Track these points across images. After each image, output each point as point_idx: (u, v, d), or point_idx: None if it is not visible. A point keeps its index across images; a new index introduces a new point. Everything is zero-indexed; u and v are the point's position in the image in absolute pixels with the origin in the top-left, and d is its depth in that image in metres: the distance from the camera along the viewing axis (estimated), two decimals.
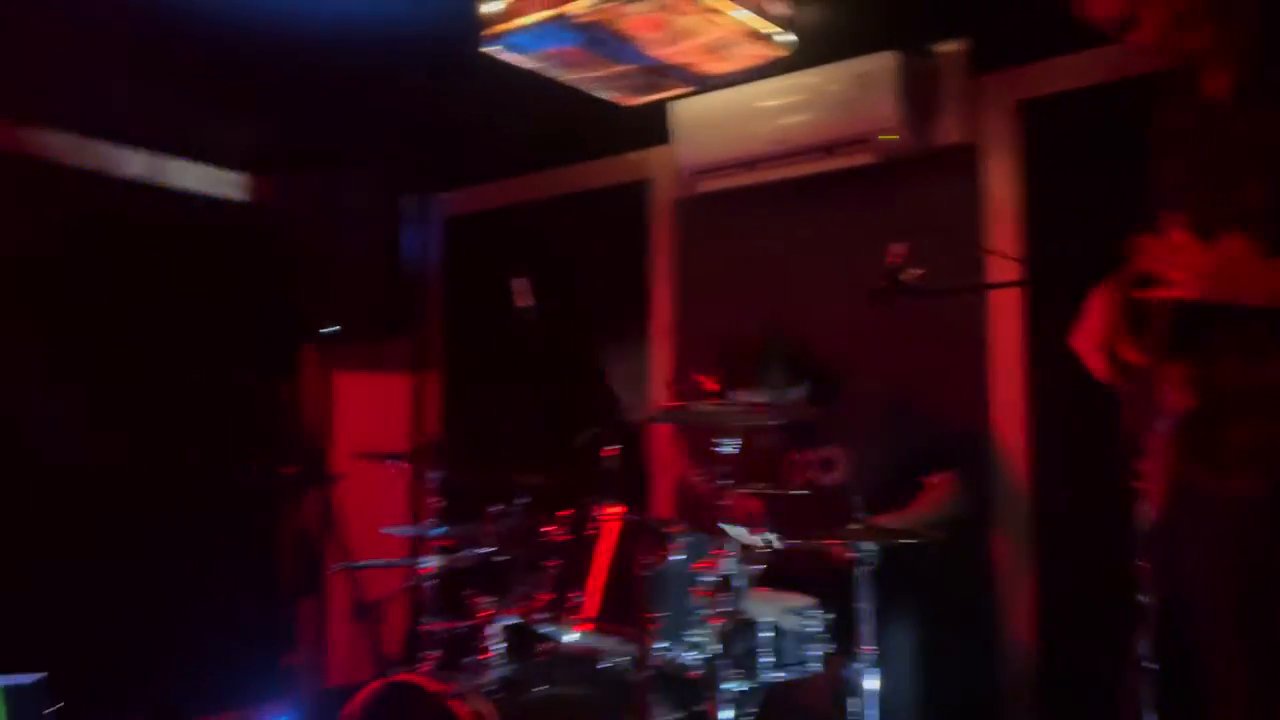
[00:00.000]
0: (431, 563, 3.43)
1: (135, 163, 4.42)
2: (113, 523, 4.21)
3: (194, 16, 3.43)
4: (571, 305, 4.58)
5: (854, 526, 2.82)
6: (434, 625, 3.30)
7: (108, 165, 4.33)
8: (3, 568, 3.88)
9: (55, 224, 4.12)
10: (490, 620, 3.17)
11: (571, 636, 2.96)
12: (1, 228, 3.95)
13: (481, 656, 3.15)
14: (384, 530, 3.86)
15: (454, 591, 3.36)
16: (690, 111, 4.06)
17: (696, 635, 2.81)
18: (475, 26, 3.00)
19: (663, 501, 4.36)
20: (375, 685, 3.01)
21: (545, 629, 3.01)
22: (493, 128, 4.35)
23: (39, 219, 4.06)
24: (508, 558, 3.30)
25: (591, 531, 2.99)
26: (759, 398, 3.32)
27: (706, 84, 3.45)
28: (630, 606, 2.79)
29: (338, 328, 4.49)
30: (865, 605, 2.77)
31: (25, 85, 3.73)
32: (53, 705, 3.33)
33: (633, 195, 4.56)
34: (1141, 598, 1.92)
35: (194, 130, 4.44)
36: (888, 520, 3.07)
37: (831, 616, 3.00)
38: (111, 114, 4.13)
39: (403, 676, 3.03)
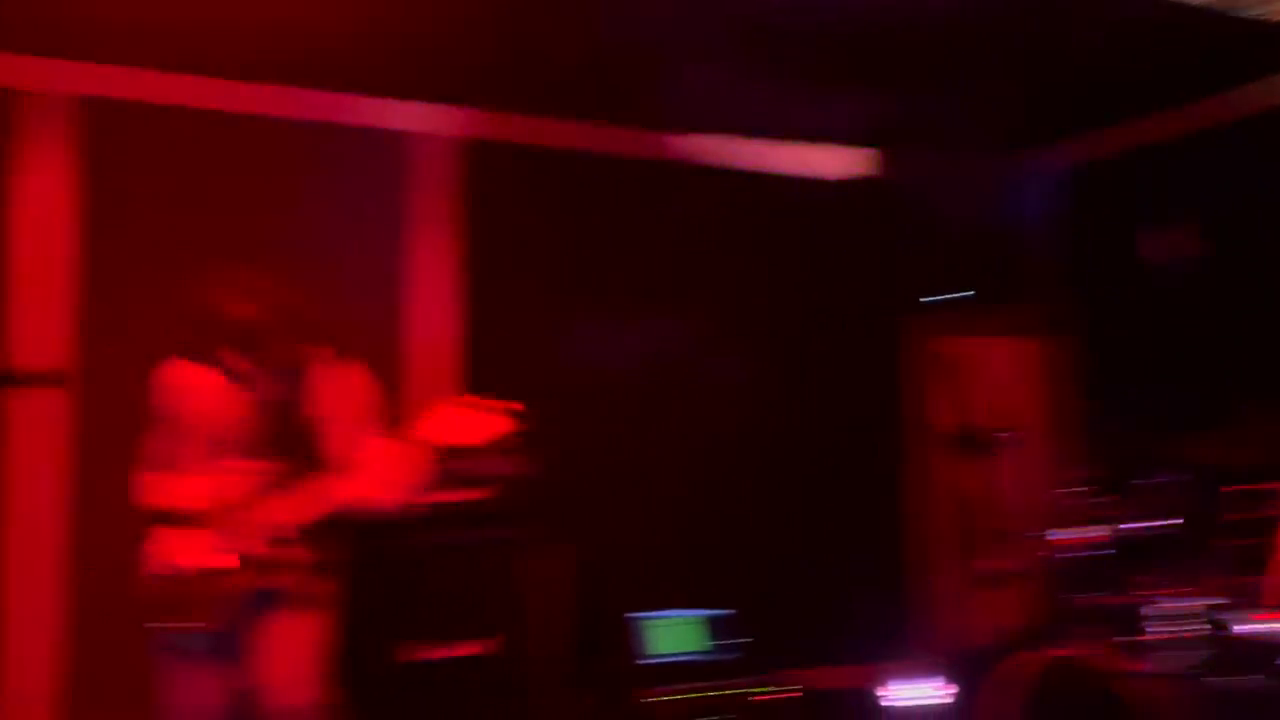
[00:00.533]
0: (1082, 534, 3.32)
1: (759, 153, 4.79)
2: (767, 486, 4.64)
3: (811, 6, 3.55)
4: (1239, 253, 4.06)
5: None
6: (1090, 599, 3.19)
7: (740, 160, 4.74)
8: (709, 525, 4.45)
9: (700, 219, 4.62)
10: (1150, 599, 3.00)
11: (1252, 625, 2.69)
12: (682, 227, 4.51)
13: (1142, 637, 2.99)
14: (1035, 499, 3.78)
15: (1106, 566, 3.22)
16: None
17: None
18: None
19: None
20: (1032, 656, 3.00)
21: (1220, 614, 2.78)
22: (1117, 66, 4.01)
23: (698, 216, 4.59)
24: (1169, 534, 3.08)
25: (1274, 511, 2.69)
26: None
27: None
28: None
29: (960, 294, 4.48)
30: None
31: (688, 99, 4.18)
32: (743, 637, 3.78)
33: None
34: None
35: (806, 115, 4.68)
36: None
37: None
38: (747, 112, 4.52)
39: (1065, 650, 2.97)
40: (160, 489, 2.89)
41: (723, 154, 4.69)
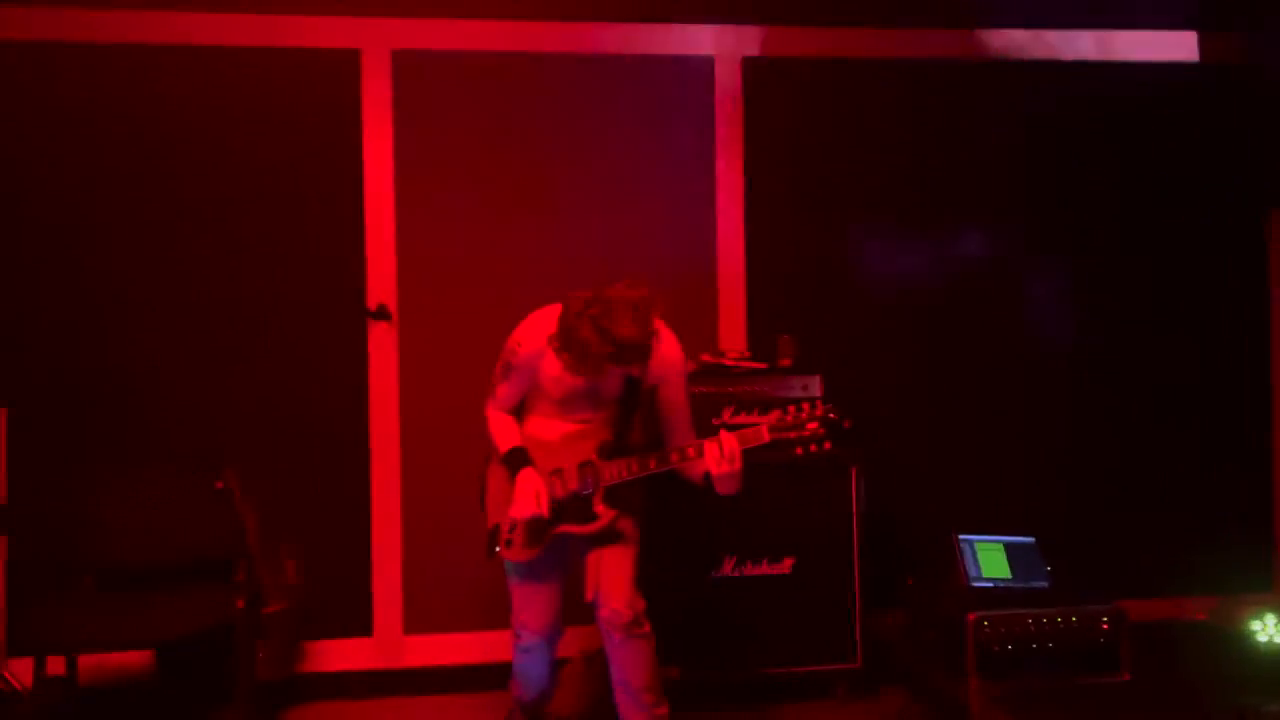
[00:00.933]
0: None
1: (1082, 42, 4.40)
2: (1087, 402, 4.37)
3: None
4: None
5: None
6: None
7: (1056, 51, 4.38)
8: (1030, 445, 4.31)
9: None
10: None
11: None
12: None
13: None
14: None
15: None
16: None
17: None
18: None
19: None
20: None
21: None
22: None
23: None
24: None
25: None
26: None
27: None
28: None
29: None
30: None
31: None
32: (1046, 565, 3.64)
33: None
34: None
35: None
36: None
37: None
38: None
39: None
40: (503, 429, 3.18)
41: (1048, 46, 4.36)
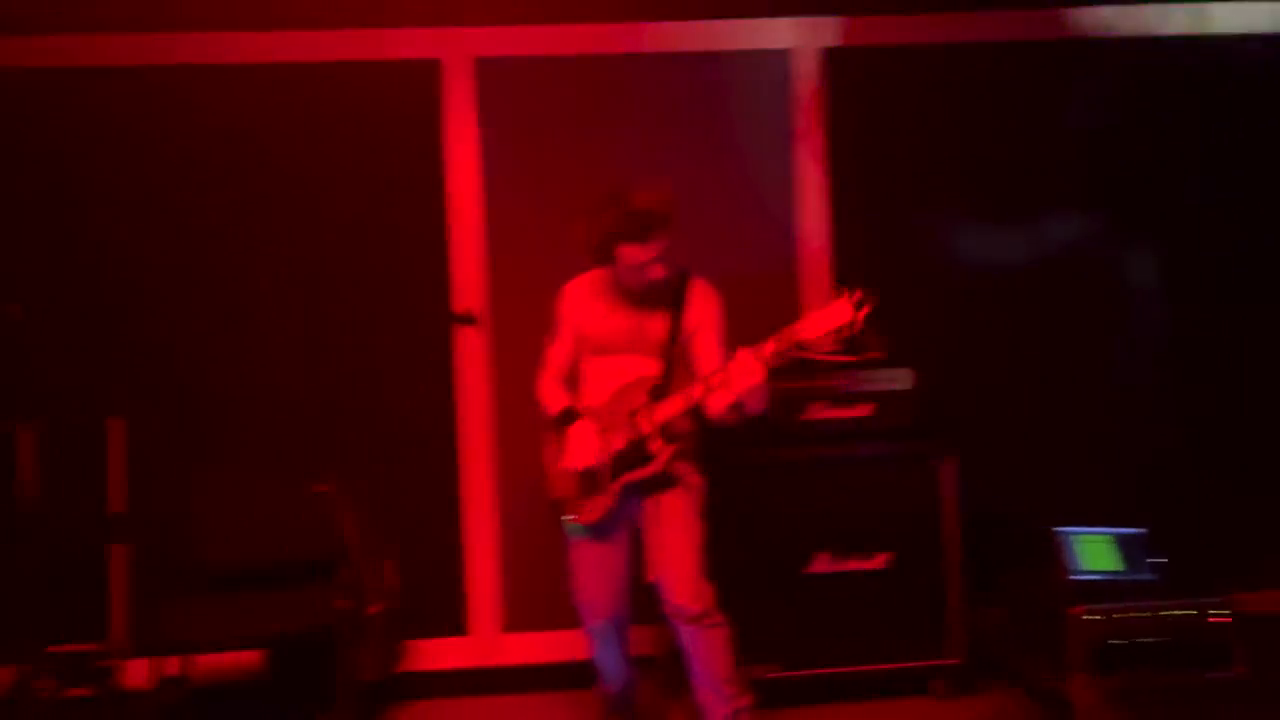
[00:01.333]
0: None
1: (1176, 16, 4.26)
2: (1192, 388, 4.23)
3: None
4: None
5: None
6: None
7: (1148, 27, 4.25)
8: (1129, 434, 4.20)
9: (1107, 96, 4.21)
10: None
11: None
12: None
13: None
14: None
15: None
16: None
17: None
18: None
19: None
20: None
21: None
22: None
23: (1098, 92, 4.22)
24: None
25: None
26: None
27: None
28: None
29: None
30: None
31: None
32: (1156, 556, 3.52)
33: None
34: None
35: None
36: None
37: None
38: None
39: None
40: (553, 392, 3.26)
41: (1139, 22, 4.23)
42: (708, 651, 3.10)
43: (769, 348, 2.96)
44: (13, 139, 4.01)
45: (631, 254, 3.05)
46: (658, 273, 3.09)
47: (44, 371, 3.86)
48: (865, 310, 2.93)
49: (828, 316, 2.94)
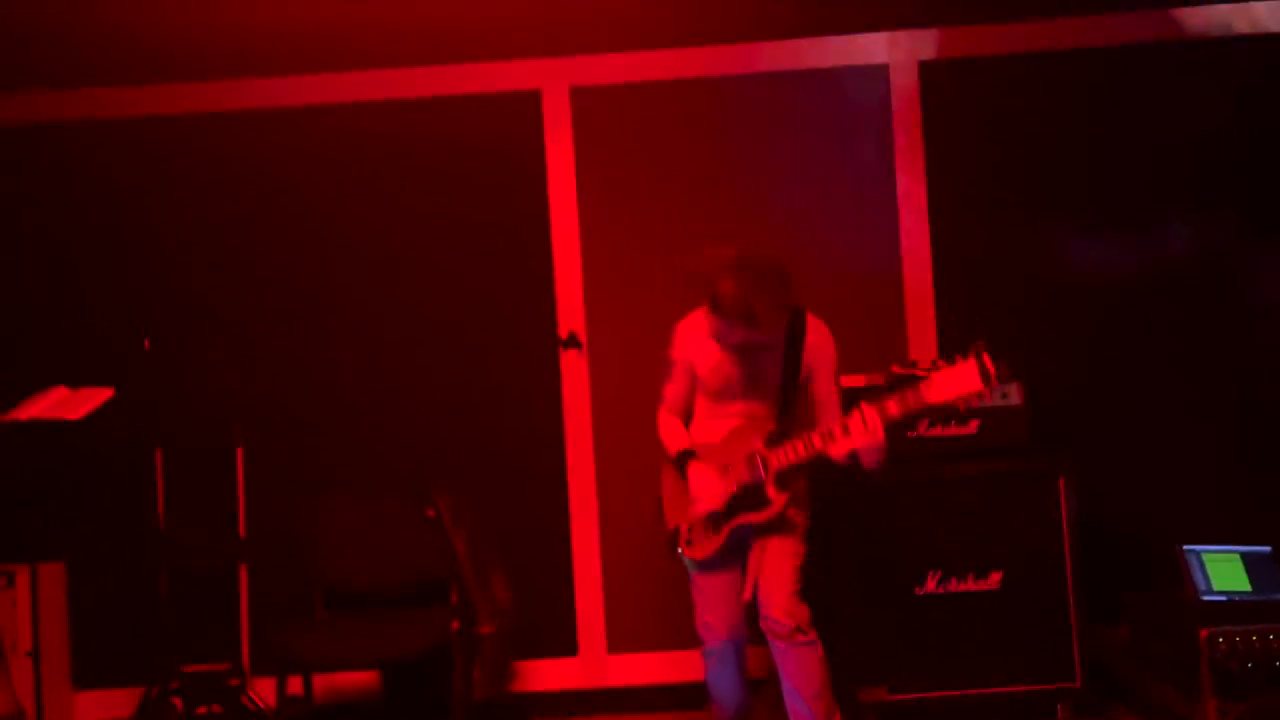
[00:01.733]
0: None
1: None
2: None
3: None
4: None
5: None
6: None
7: (1263, 24, 4.10)
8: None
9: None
10: None
11: None
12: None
13: None
14: None
15: None
16: None
17: None
18: None
19: None
20: None
21: None
22: None
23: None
24: None
25: None
26: None
27: None
28: None
29: None
30: None
31: None
32: None
33: None
34: None
35: None
36: None
37: None
38: None
39: None
40: (673, 431, 3.27)
41: (1254, 20, 4.10)
42: (798, 668, 3.09)
43: (892, 408, 2.95)
44: (162, 181, 4.23)
45: (718, 328, 3.08)
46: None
47: (171, 400, 4.04)
48: (995, 382, 2.88)
49: (956, 380, 2.89)
